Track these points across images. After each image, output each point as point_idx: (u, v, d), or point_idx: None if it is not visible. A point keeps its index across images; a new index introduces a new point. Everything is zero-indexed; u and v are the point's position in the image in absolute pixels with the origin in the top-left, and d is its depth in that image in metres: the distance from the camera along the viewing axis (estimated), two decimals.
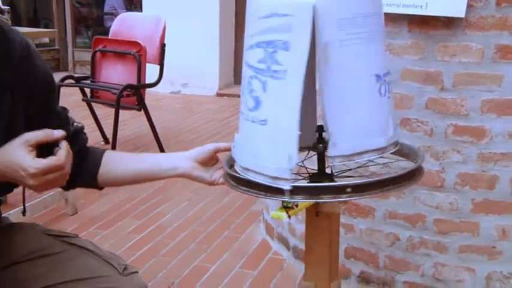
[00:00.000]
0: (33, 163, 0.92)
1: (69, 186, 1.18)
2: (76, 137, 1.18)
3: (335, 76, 0.96)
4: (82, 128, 1.22)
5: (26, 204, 2.59)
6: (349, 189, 0.96)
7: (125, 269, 1.14)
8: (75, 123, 1.20)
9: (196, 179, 1.16)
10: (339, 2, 0.94)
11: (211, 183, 1.16)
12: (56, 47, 7.61)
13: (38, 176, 0.92)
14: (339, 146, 0.97)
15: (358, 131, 0.99)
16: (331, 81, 0.96)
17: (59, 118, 1.16)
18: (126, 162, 1.21)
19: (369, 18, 0.97)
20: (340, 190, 0.97)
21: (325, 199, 0.96)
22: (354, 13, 0.95)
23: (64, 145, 0.96)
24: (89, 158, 1.20)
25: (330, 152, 0.97)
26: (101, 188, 1.23)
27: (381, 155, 1.02)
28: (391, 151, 1.05)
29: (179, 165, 1.16)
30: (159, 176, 1.20)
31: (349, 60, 0.96)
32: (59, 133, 0.97)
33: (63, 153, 0.95)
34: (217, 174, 1.16)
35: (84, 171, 1.18)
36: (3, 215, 1.23)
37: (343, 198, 0.97)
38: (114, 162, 1.20)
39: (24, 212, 2.94)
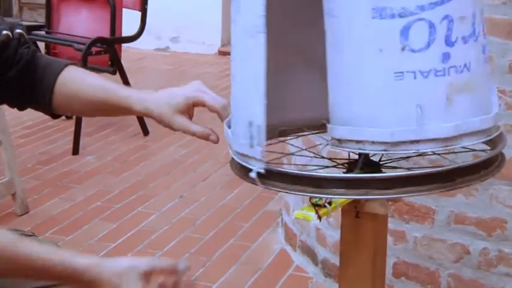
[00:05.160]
0: None
1: (21, 104, 1.29)
2: (13, 53, 1.23)
3: None
4: (18, 36, 1.25)
5: None
6: (402, 183, 0.97)
7: None
8: (3, 32, 1.23)
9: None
10: None
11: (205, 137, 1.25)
12: None
13: None
14: None
15: None
16: None
17: None
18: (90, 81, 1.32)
19: None
20: (391, 183, 0.97)
21: (373, 195, 0.97)
22: None
23: None
24: (38, 71, 1.26)
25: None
26: (56, 116, 1.34)
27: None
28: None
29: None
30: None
31: None
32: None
33: None
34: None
35: (37, 87, 1.26)
36: None
37: (394, 194, 0.98)
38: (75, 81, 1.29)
39: None
